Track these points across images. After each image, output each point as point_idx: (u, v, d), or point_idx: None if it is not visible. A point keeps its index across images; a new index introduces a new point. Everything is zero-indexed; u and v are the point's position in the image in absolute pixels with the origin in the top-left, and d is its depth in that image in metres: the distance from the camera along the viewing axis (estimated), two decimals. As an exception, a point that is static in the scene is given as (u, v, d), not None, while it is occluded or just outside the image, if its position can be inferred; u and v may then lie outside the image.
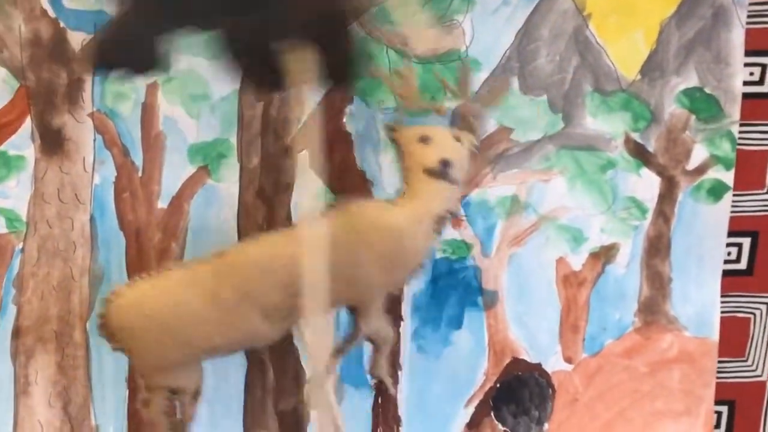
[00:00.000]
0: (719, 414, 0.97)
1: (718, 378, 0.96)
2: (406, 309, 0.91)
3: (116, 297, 0.77)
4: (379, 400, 0.90)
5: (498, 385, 0.93)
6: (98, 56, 0.73)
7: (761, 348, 0.96)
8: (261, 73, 0.74)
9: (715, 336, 0.95)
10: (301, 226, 0.75)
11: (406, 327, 0.91)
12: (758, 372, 0.97)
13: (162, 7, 0.67)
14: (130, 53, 0.69)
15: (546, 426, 0.95)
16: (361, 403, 0.91)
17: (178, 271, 0.77)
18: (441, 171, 0.77)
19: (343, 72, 0.74)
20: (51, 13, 0.82)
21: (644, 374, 0.95)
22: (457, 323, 0.92)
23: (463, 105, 0.83)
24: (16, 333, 0.86)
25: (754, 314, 0.95)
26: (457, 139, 0.78)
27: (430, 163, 0.77)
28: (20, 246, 0.86)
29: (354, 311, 0.79)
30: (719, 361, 0.95)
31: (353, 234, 0.75)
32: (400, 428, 0.92)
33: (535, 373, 0.94)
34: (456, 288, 0.92)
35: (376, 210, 0.78)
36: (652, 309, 0.94)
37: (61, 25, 0.83)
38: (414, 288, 0.91)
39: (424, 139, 0.78)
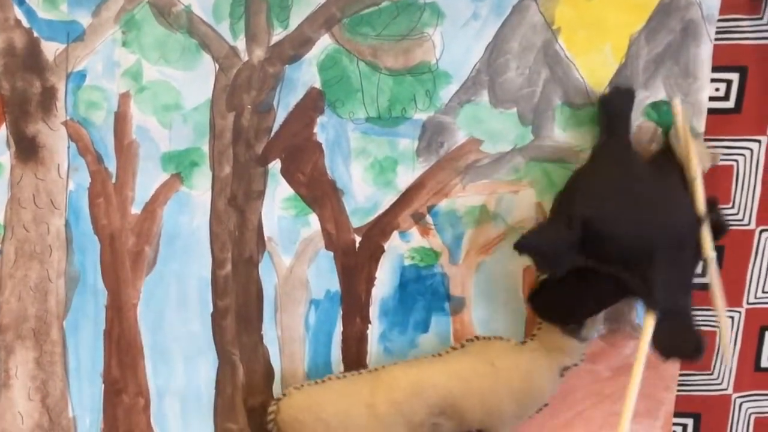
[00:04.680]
0: (684, 426, 1.00)
1: (684, 391, 0.98)
2: (373, 312, 0.93)
3: (288, 397, 0.86)
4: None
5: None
6: (522, 241, 0.84)
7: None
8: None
9: (678, 343, 0.97)
10: (448, 355, 0.90)
11: (373, 329, 0.94)
12: (724, 385, 0.99)
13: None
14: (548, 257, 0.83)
15: (508, 424, 0.97)
16: None
17: (338, 381, 0.88)
18: (574, 330, 0.88)
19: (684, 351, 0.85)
20: (25, 23, 0.83)
21: (607, 378, 0.97)
22: (423, 327, 0.94)
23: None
24: (-4, 330, 0.90)
25: (720, 328, 0.97)
26: None
27: None
28: (-1, 248, 0.88)
29: None
30: (685, 374, 0.97)
31: (491, 367, 0.87)
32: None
33: (500, 375, 0.97)
34: (424, 294, 0.93)
35: (512, 350, 0.90)
36: (618, 317, 0.96)
37: (35, 35, 0.84)
38: (382, 293, 0.93)
39: None
